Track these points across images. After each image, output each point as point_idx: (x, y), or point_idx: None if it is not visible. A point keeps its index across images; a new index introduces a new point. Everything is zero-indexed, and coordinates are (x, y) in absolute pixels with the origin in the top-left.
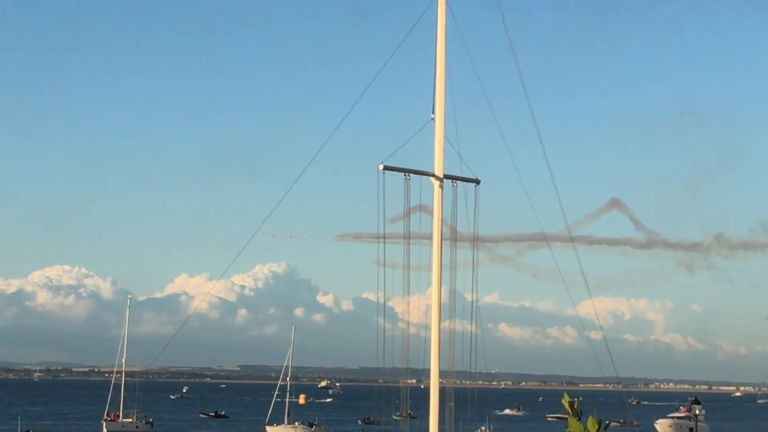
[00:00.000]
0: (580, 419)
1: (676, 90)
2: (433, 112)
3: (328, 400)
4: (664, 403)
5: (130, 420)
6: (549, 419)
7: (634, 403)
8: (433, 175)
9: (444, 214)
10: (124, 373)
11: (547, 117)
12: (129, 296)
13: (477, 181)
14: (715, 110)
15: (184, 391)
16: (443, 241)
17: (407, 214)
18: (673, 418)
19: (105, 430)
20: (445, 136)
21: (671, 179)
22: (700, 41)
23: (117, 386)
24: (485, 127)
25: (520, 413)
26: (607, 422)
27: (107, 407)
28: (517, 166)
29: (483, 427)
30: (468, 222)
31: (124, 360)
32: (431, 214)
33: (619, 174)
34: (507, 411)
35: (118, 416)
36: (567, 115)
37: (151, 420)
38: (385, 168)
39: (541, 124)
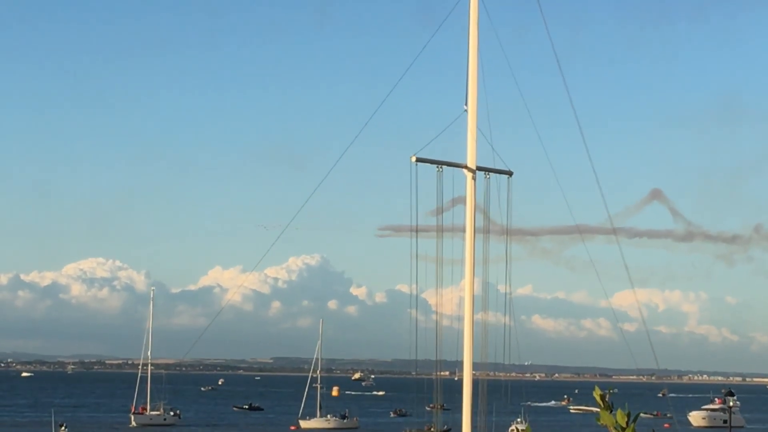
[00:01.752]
0: (611, 412)
1: (720, 82)
2: (465, 104)
3: (380, 393)
4: (696, 394)
5: (158, 412)
6: (572, 411)
7: (661, 395)
8: (466, 167)
9: (484, 207)
10: (150, 365)
11: (585, 107)
12: (152, 288)
13: (510, 173)
14: (759, 103)
15: (220, 383)
16: (481, 234)
17: (440, 206)
18: (707, 410)
19: (133, 422)
20: (477, 127)
21: (713, 171)
22: (746, 34)
23: (144, 379)
24: (519, 118)
25: (569, 405)
26: (636, 414)
27: (135, 400)
28: (550, 158)
29: (519, 419)
30: (501, 214)
31: (149, 353)
32: (477, 207)
33: (660, 166)
34: (552, 403)
35: (146, 409)
36: (606, 105)
37: (178, 412)
38: (418, 160)
39: (579, 114)
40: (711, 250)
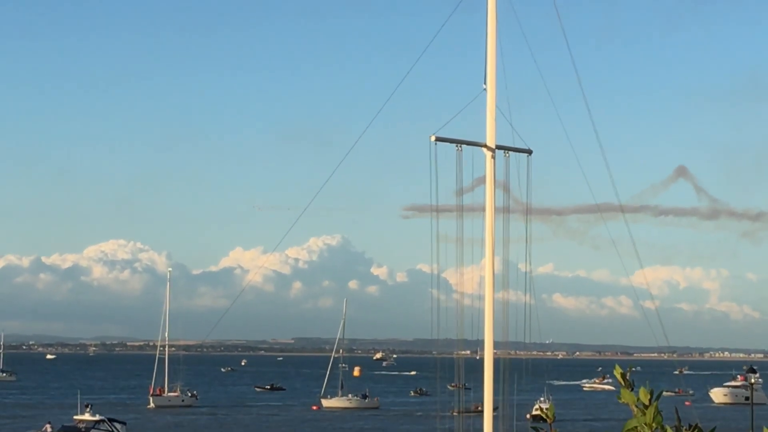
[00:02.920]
0: (632, 390)
1: (748, 58)
2: (484, 83)
3: (412, 372)
4: (714, 372)
5: (175, 394)
6: (585, 389)
7: (677, 373)
8: (485, 146)
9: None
10: (167, 347)
11: (610, 84)
12: (169, 269)
13: (529, 152)
14: None
15: (243, 364)
16: (504, 213)
17: (460, 185)
18: (728, 386)
19: (152, 404)
20: (497, 106)
21: (740, 148)
22: None
23: (162, 360)
24: (538, 96)
25: (605, 383)
26: (659, 392)
27: (153, 381)
28: (569, 137)
29: (542, 398)
30: (521, 192)
31: (167, 334)
32: (499, 185)
33: (686, 142)
34: (585, 382)
35: (163, 390)
36: (632, 82)
37: (195, 393)
38: (437, 139)
39: (606, 92)
40: (736, 227)
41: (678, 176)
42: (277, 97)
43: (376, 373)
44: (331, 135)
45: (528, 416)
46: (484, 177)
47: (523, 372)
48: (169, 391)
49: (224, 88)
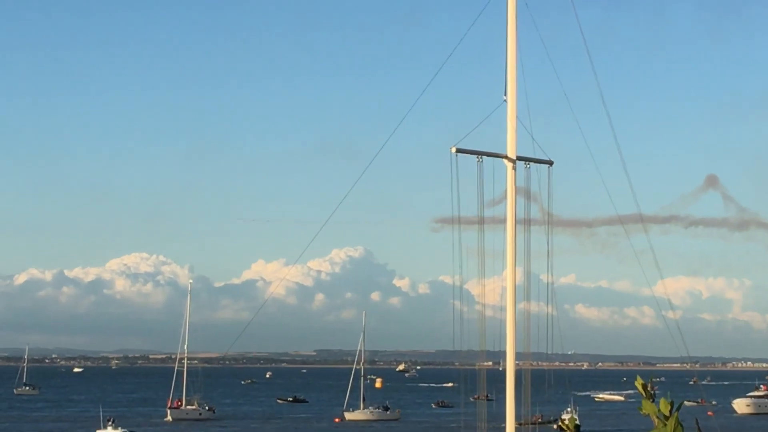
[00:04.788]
0: (653, 401)
1: None
2: (505, 94)
3: (449, 384)
4: (734, 381)
5: (193, 407)
6: (596, 400)
7: (692, 383)
8: (506, 157)
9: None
10: (186, 359)
11: (636, 94)
12: (190, 281)
13: (550, 163)
14: None
15: (268, 376)
16: (533, 225)
17: (481, 196)
18: (751, 397)
19: (169, 417)
20: (517, 117)
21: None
22: None
23: (180, 373)
24: (559, 107)
25: (616, 393)
26: (680, 403)
27: (171, 394)
28: (591, 148)
29: (569, 409)
30: (552, 204)
31: (186, 346)
32: (532, 198)
33: (716, 152)
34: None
35: (181, 403)
36: (661, 92)
37: (212, 407)
38: (458, 151)
39: (629, 102)
40: (764, 238)
41: (708, 186)
42: (302, 110)
43: (410, 384)
44: (357, 147)
45: (555, 426)
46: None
47: (547, 383)
48: (186, 404)
49: (248, 101)
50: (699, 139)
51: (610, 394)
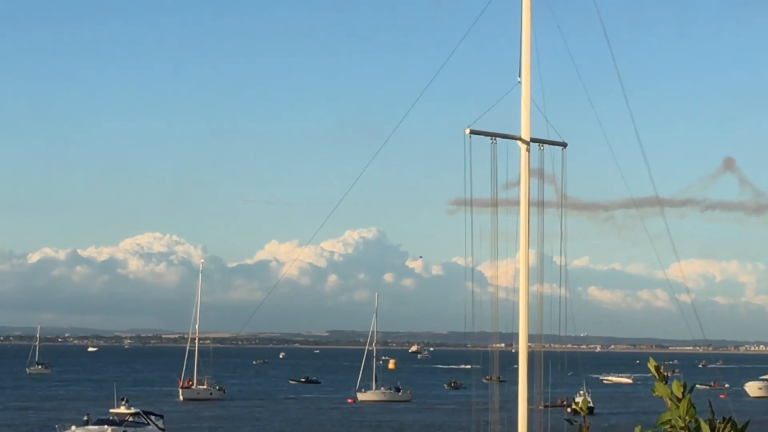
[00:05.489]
0: (666, 383)
1: None
2: (519, 75)
3: (467, 366)
4: (745, 365)
5: (204, 387)
6: (604, 382)
7: (701, 366)
8: (520, 139)
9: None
10: (197, 339)
11: (651, 77)
12: (201, 261)
13: (564, 145)
14: None
15: (281, 356)
16: (547, 207)
17: (494, 178)
18: (763, 380)
19: (181, 397)
20: (531, 99)
21: None
22: None
23: (192, 353)
24: (574, 89)
25: (623, 376)
26: (692, 385)
27: (182, 374)
28: (605, 130)
29: (581, 391)
30: (556, 185)
31: (197, 326)
32: (549, 180)
33: (733, 135)
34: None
35: (192, 383)
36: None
37: (223, 387)
38: (472, 132)
39: (645, 85)
40: None
41: (726, 169)
42: (318, 91)
43: (426, 366)
44: (373, 128)
45: (569, 409)
46: (534, 170)
47: (558, 365)
48: (197, 384)
49: (267, 81)
50: (717, 121)
51: (618, 377)
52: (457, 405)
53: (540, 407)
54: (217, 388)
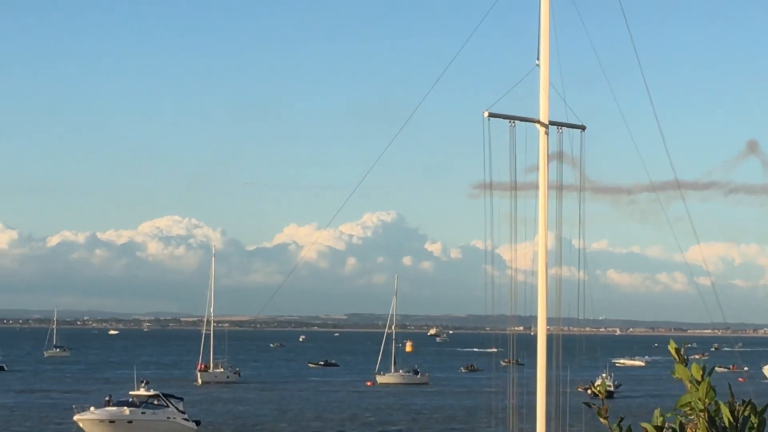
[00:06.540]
0: (686, 365)
1: None
2: (537, 58)
3: (491, 350)
4: (765, 348)
5: (221, 370)
6: (617, 365)
7: (713, 348)
8: (538, 122)
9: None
10: (213, 322)
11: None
12: (213, 245)
13: (582, 128)
14: None
15: (301, 339)
16: (566, 190)
17: (513, 160)
18: None
19: (199, 380)
20: (550, 82)
21: None
22: None
23: (208, 336)
24: (592, 73)
25: (637, 359)
26: (711, 368)
27: (200, 358)
28: (624, 113)
29: (603, 375)
30: (574, 168)
31: (212, 309)
32: (570, 163)
33: (757, 117)
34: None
35: (208, 366)
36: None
37: (237, 370)
38: (491, 115)
39: (666, 68)
40: None
41: (750, 152)
42: (337, 74)
43: (447, 349)
44: (392, 111)
45: (589, 392)
46: (554, 153)
47: (577, 348)
48: (213, 368)
49: (286, 66)
50: (740, 104)
51: (630, 359)
52: (477, 388)
53: (578, 389)
54: (234, 371)
